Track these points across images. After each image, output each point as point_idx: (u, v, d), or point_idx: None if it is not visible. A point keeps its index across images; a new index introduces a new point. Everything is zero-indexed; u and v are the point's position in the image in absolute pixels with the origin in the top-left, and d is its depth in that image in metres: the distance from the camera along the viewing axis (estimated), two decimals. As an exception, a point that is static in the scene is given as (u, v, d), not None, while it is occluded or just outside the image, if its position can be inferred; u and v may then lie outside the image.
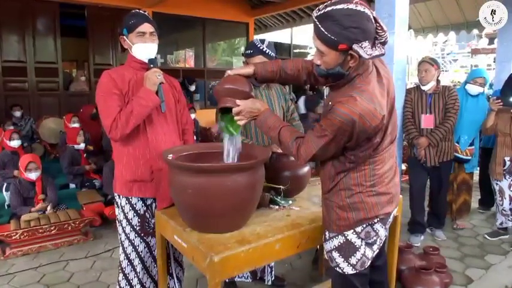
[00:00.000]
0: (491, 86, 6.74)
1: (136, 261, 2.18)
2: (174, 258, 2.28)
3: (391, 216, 1.75)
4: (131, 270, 2.19)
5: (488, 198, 4.60)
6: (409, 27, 8.45)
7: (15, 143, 4.84)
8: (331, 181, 1.68)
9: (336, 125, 1.44)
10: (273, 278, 2.85)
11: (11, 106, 6.61)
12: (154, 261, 2.22)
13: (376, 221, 1.65)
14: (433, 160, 3.59)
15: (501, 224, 3.85)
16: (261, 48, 2.43)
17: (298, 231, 1.81)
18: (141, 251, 2.17)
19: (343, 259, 1.70)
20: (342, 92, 1.51)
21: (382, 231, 1.72)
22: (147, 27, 2.05)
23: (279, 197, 2.12)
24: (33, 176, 3.96)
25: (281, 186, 2.10)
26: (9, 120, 6.34)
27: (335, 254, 1.72)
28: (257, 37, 2.60)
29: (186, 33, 10.02)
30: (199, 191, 1.63)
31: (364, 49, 1.35)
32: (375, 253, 1.74)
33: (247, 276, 2.77)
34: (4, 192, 4.34)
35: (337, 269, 1.73)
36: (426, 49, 21.02)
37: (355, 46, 1.35)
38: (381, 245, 1.78)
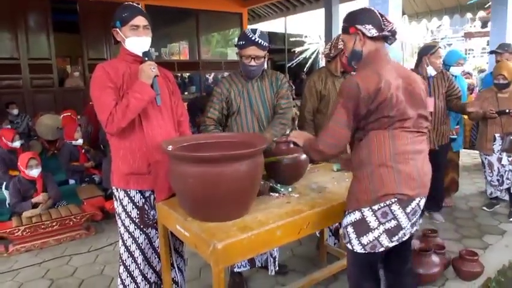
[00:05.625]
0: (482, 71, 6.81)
1: (137, 253, 2.20)
2: (175, 248, 2.30)
3: (414, 204, 1.73)
4: (132, 262, 2.21)
5: None
6: (403, 13, 8.43)
7: (17, 144, 4.83)
8: (357, 154, 1.79)
9: (344, 90, 1.72)
10: (277, 268, 2.86)
11: (7, 104, 6.58)
12: (155, 252, 2.25)
13: (393, 200, 1.68)
14: (432, 143, 3.62)
15: (490, 194, 4.17)
16: (253, 38, 2.41)
17: (298, 217, 1.83)
18: (141, 243, 2.19)
19: (355, 236, 1.76)
20: None
21: (403, 217, 1.71)
22: (140, 21, 2.03)
23: (279, 185, 2.14)
24: (34, 173, 3.95)
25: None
26: (5, 118, 6.32)
27: (350, 229, 1.78)
28: (250, 27, 2.59)
29: (180, 26, 9.98)
30: (200, 181, 1.65)
31: (368, 30, 1.74)
32: (393, 243, 1.75)
33: (246, 264, 2.80)
34: (4, 191, 4.35)
35: (348, 245, 1.80)
36: (420, 34, 20.92)
37: (359, 26, 1.76)
38: (404, 238, 1.78)
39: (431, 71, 3.58)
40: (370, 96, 1.65)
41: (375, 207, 1.70)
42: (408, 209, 1.72)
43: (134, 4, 2.09)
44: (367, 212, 1.72)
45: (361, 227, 1.74)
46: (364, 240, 1.74)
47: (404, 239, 1.80)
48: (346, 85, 1.72)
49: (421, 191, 1.76)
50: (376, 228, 1.71)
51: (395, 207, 1.70)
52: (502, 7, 5.78)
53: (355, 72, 1.83)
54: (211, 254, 1.56)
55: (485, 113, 3.83)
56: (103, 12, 7.79)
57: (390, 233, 1.73)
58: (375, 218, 1.71)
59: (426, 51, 3.61)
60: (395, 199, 1.69)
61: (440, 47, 3.57)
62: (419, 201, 1.76)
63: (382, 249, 1.75)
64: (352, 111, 1.69)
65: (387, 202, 1.69)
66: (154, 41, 2.16)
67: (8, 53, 7.32)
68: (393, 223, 1.71)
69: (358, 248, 1.76)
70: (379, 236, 1.72)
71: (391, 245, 1.76)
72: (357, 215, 1.75)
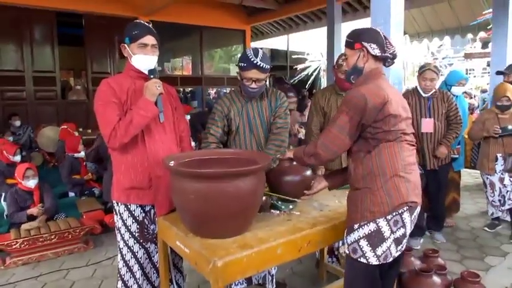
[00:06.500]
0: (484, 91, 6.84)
1: (135, 268, 2.18)
2: (174, 264, 2.29)
3: (416, 212, 1.83)
4: (130, 277, 2.19)
5: None
6: (404, 33, 8.53)
7: (18, 158, 4.81)
8: (364, 166, 1.80)
9: (350, 100, 1.76)
10: (274, 286, 2.83)
11: (10, 115, 6.62)
12: (154, 267, 2.23)
13: (405, 208, 1.75)
14: (432, 164, 3.62)
15: (492, 214, 4.15)
16: (255, 62, 2.33)
17: (299, 235, 1.82)
18: (140, 258, 2.18)
19: (370, 248, 1.77)
20: None
21: (409, 225, 1.79)
22: (149, 40, 2.06)
23: (280, 202, 2.13)
24: (31, 183, 3.92)
25: (293, 201, 2.14)
26: (7, 130, 6.34)
27: (363, 242, 1.78)
28: (254, 44, 2.59)
29: (183, 41, 10.09)
30: (202, 197, 1.64)
31: (372, 48, 1.81)
32: (398, 253, 1.82)
33: (243, 282, 2.76)
34: (2, 202, 4.33)
35: (362, 259, 1.79)
36: (421, 54, 21.13)
37: (365, 43, 1.82)
38: (403, 247, 1.86)
39: (420, 90, 3.61)
40: (376, 108, 1.72)
41: (389, 216, 1.75)
42: (412, 217, 1.81)
43: (145, 23, 2.11)
44: (382, 223, 1.75)
45: (376, 238, 1.76)
46: (379, 251, 1.77)
47: (403, 249, 1.87)
48: (352, 95, 1.77)
49: (420, 199, 1.86)
50: (389, 237, 1.77)
51: (406, 215, 1.77)
52: (503, 28, 5.88)
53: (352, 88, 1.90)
54: (211, 271, 1.54)
55: (488, 132, 3.84)
56: (108, 26, 7.92)
57: (398, 241, 1.79)
58: (389, 227, 1.76)
59: (418, 71, 3.69)
60: (407, 207, 1.76)
61: (429, 69, 3.52)
62: (419, 209, 1.86)
63: (391, 259, 1.80)
64: (356, 120, 1.74)
65: (400, 211, 1.75)
66: (158, 55, 2.18)
67: (12, 65, 7.40)
68: (401, 231, 1.78)
69: (373, 260, 1.78)
70: (390, 245, 1.78)
71: (396, 254, 1.82)
72: (371, 227, 1.77)
